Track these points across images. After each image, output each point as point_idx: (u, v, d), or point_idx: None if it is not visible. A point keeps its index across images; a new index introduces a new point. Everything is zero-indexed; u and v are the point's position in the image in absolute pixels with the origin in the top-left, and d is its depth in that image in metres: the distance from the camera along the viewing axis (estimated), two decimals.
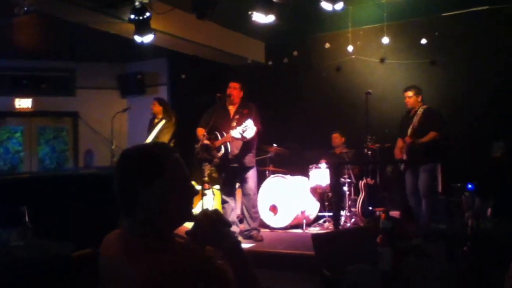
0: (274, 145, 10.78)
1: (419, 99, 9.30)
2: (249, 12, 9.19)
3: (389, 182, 10.29)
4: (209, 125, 8.78)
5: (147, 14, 9.00)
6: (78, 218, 6.05)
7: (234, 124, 8.55)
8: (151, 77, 14.68)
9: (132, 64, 14.81)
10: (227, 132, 8.58)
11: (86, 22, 9.68)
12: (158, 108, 10.80)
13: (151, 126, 10.80)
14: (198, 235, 2.38)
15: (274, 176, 10.59)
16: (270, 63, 12.97)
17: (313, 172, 10.52)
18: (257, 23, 9.37)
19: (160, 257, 2.13)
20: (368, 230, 5.12)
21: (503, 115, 10.05)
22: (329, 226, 10.18)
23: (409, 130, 9.16)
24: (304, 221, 10.13)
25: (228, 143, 8.70)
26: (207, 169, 9.18)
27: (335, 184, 9.81)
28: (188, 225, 2.42)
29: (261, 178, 10.27)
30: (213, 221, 2.41)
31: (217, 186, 10.26)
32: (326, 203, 10.54)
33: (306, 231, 10.01)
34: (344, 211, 10.06)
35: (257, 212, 9.42)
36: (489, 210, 6.08)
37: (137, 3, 8.95)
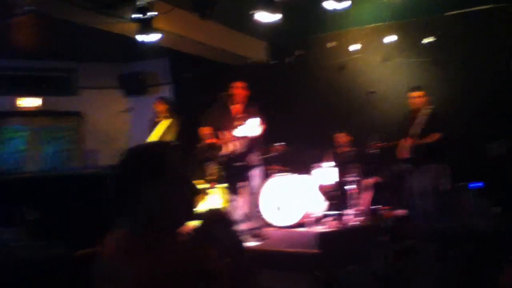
0: (278, 144, 10.77)
1: (425, 100, 9.29)
2: (251, 12, 9.19)
3: (394, 181, 10.27)
4: (212, 124, 8.79)
5: (150, 13, 8.99)
6: (80, 217, 6.05)
7: (237, 123, 8.55)
8: (153, 77, 14.69)
9: (134, 64, 14.80)
10: (230, 131, 8.58)
11: (87, 22, 9.69)
12: (162, 107, 10.81)
13: (153, 125, 10.79)
14: (202, 234, 2.37)
15: (278, 175, 10.58)
16: (272, 62, 12.95)
17: (317, 170, 10.51)
18: (259, 22, 9.36)
19: (162, 256, 2.13)
20: (372, 229, 5.13)
21: (504, 114, 10.04)
22: (333, 224, 10.16)
23: (413, 131, 9.14)
24: (309, 219, 10.12)
25: (232, 142, 8.70)
26: (212, 168, 9.17)
27: (340, 183, 9.81)
28: (192, 223, 2.40)
29: (265, 177, 10.26)
30: (218, 220, 2.40)
31: (221, 185, 10.26)
32: (331, 202, 10.52)
33: (311, 229, 9.99)
34: (349, 210, 10.03)
35: (260, 211, 9.42)
36: (492, 209, 6.08)
37: (139, 2, 8.94)
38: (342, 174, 9.94)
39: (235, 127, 8.49)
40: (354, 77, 11.88)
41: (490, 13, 10.31)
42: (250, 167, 8.99)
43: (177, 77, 14.25)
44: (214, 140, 8.81)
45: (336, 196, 10.28)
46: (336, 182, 9.92)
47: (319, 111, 11.97)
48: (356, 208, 10.08)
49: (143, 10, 8.98)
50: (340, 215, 9.47)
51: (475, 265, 3.90)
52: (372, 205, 10.12)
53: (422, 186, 9.11)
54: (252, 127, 8.21)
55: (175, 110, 11.20)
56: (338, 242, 4.53)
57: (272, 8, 9.14)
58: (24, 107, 14.14)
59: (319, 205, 10.60)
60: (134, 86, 14.59)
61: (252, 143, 8.86)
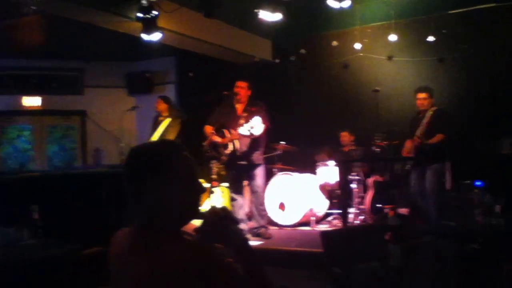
0: (282, 142, 10.78)
1: (432, 101, 9.30)
2: (256, 10, 9.20)
3: (397, 179, 10.27)
4: (217, 123, 8.81)
5: (155, 12, 9.00)
6: (86, 216, 6.06)
7: (242, 121, 8.55)
8: (159, 75, 14.69)
9: (140, 63, 14.81)
10: (235, 130, 8.58)
11: (93, 21, 9.70)
12: (163, 106, 10.83)
13: (156, 124, 10.81)
14: (206, 233, 2.38)
15: (282, 174, 10.59)
16: (277, 61, 12.96)
17: (321, 169, 10.53)
18: (264, 21, 9.38)
19: (168, 254, 2.14)
20: (377, 227, 5.13)
21: (508, 112, 10.03)
22: (337, 223, 10.18)
23: (418, 131, 9.15)
24: (313, 218, 10.14)
25: (236, 141, 8.71)
26: (215, 166, 9.17)
27: (344, 181, 9.81)
28: (196, 222, 2.42)
29: (269, 176, 10.27)
30: (221, 218, 2.41)
31: (225, 184, 10.27)
32: (335, 201, 10.53)
33: (315, 228, 10.01)
34: (353, 208, 10.04)
35: (265, 210, 9.44)
36: (499, 207, 6.07)
37: (144, 1, 8.95)
38: (345, 172, 9.94)
39: (239, 125, 8.49)
40: (358, 75, 11.88)
41: (494, 12, 10.29)
42: (254, 165, 9.00)
43: (182, 75, 14.26)
44: (218, 139, 8.82)
45: (339, 195, 10.29)
46: (340, 181, 9.93)
47: (323, 109, 11.97)
48: (359, 207, 10.10)
49: (147, 9, 8.99)
50: (344, 214, 9.47)
51: (481, 263, 3.91)
52: (376, 203, 10.12)
53: (425, 185, 9.11)
54: (256, 126, 8.21)
55: (177, 108, 11.21)
56: (342, 240, 4.52)
57: (276, 7, 9.15)
58: (29, 106, 14.16)
59: (323, 204, 10.62)
60: (140, 85, 14.59)
61: (256, 142, 8.87)
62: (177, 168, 2.31)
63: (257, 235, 9.06)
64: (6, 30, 10.46)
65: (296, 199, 10.16)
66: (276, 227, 10.22)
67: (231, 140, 8.73)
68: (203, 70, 13.24)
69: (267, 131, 8.75)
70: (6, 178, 7.56)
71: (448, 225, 7.67)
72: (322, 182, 10.48)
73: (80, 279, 4.10)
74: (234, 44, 11.84)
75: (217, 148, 8.87)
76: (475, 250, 3.99)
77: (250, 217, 9.67)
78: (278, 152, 10.97)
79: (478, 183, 7.59)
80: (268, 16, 9.19)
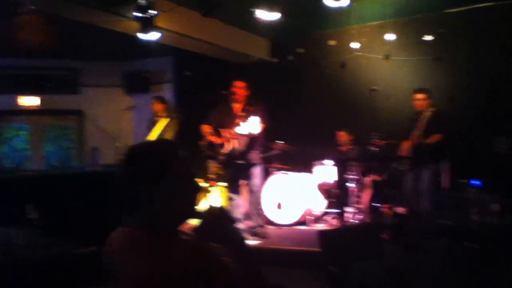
0: (279, 142, 10.79)
1: (430, 102, 9.31)
2: (253, 9, 9.20)
3: (394, 178, 10.29)
4: (214, 122, 8.82)
5: (152, 11, 8.99)
6: (83, 215, 6.06)
7: (239, 121, 8.56)
8: (157, 75, 14.69)
9: (137, 62, 14.80)
10: (232, 129, 8.59)
11: (90, 20, 9.70)
12: (158, 107, 10.83)
13: (152, 124, 10.80)
14: (203, 232, 2.38)
15: (279, 173, 10.60)
16: (275, 60, 12.96)
17: (318, 168, 10.54)
18: (262, 20, 9.38)
19: (166, 254, 2.14)
20: (374, 226, 5.14)
21: (508, 111, 10.04)
22: (334, 222, 10.19)
23: (416, 131, 9.16)
24: (310, 217, 10.14)
25: (233, 140, 8.71)
26: (212, 166, 9.18)
27: (341, 180, 9.82)
28: (194, 222, 2.42)
29: (266, 175, 10.28)
30: (219, 218, 2.42)
31: (223, 183, 10.28)
32: (332, 200, 10.54)
33: (312, 227, 10.02)
34: (350, 207, 10.05)
35: (262, 209, 9.44)
36: (495, 206, 6.08)
37: (141, 1, 8.94)
38: (343, 172, 9.95)
39: (237, 125, 8.50)
40: (356, 74, 11.89)
41: (491, 10, 10.30)
42: (251, 165, 9.01)
43: (180, 75, 14.26)
44: (215, 138, 8.83)
45: (337, 194, 10.30)
46: (337, 180, 9.93)
47: (321, 108, 11.97)
48: (356, 206, 10.11)
49: (144, 8, 8.98)
50: (341, 213, 9.48)
51: (478, 262, 3.91)
52: (373, 203, 10.13)
53: (421, 184, 9.13)
54: (253, 125, 8.22)
55: (174, 108, 11.21)
56: (339, 240, 4.53)
57: (274, 6, 9.16)
58: (26, 106, 14.15)
59: (320, 203, 10.63)
60: (138, 84, 14.59)
61: (253, 141, 8.88)
62: (174, 168, 2.31)
63: (254, 234, 9.06)
64: (3, 29, 10.44)
65: (294, 198, 10.17)
66: (273, 226, 10.22)
67: (229, 140, 8.73)
68: (201, 70, 13.23)
69: (264, 131, 8.76)
70: (3, 178, 7.55)
71: (445, 224, 7.69)
72: (320, 182, 10.50)
73: (77, 279, 4.10)
74: (232, 43, 11.84)
75: (214, 147, 8.88)
76: (473, 250, 4.00)
77: (247, 216, 9.67)
78: (276, 151, 10.97)
79: (474, 182, 7.61)
80: (266, 15, 9.20)
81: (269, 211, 10.29)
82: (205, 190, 9.30)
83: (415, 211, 9.23)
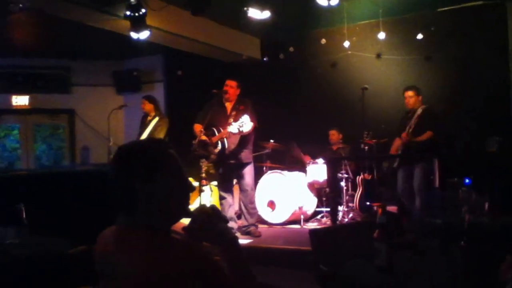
0: (271, 141, 10.80)
1: (420, 99, 9.31)
2: (245, 8, 9.20)
3: (386, 177, 10.31)
4: (206, 121, 8.80)
5: (143, 10, 8.98)
6: (75, 215, 6.05)
7: (231, 120, 8.56)
8: (147, 74, 14.67)
9: (128, 61, 14.80)
10: (224, 128, 8.59)
11: (81, 19, 9.67)
12: (149, 106, 10.79)
13: (144, 124, 10.78)
14: (195, 231, 2.38)
15: (271, 172, 10.61)
16: (265, 59, 12.95)
17: (310, 167, 10.55)
18: (252, 19, 9.39)
19: (157, 253, 2.13)
20: (365, 225, 5.13)
21: (498, 110, 10.09)
22: (326, 221, 10.20)
23: (407, 129, 9.16)
24: (302, 216, 10.15)
25: (225, 139, 8.71)
26: (204, 165, 9.17)
27: (332, 179, 9.82)
28: (185, 221, 2.42)
29: (258, 174, 10.28)
30: (210, 217, 2.41)
31: (215, 182, 10.29)
32: (324, 199, 10.55)
33: (304, 226, 10.03)
34: (342, 206, 10.07)
35: (254, 208, 9.44)
36: (485, 205, 6.09)
37: (132, 0, 8.94)
38: (334, 170, 9.95)
39: (228, 124, 8.50)
40: (346, 73, 11.90)
41: (482, 9, 10.33)
42: (243, 164, 9.01)
43: (170, 74, 14.25)
44: (207, 137, 8.82)
45: (328, 193, 10.31)
46: (328, 179, 9.93)
47: (312, 107, 11.98)
48: (349, 205, 10.13)
49: (135, 7, 8.97)
50: (333, 212, 9.49)
51: (476, 259, 3.92)
52: (364, 201, 10.15)
53: (413, 183, 9.14)
54: (244, 124, 8.22)
55: (163, 107, 11.21)
56: (330, 239, 4.53)
57: (265, 5, 9.16)
58: (17, 105, 14.11)
59: (312, 202, 10.64)
60: (129, 83, 14.56)
61: (244, 140, 8.88)
62: (166, 167, 2.31)
63: (246, 233, 9.08)
64: None
65: (285, 197, 10.17)
66: (265, 226, 10.23)
67: (221, 139, 8.73)
68: (191, 68, 13.24)
69: (255, 129, 8.77)
70: None
71: (435, 223, 7.70)
72: (310, 180, 10.51)
73: (67, 278, 4.09)
74: (222, 42, 11.83)
75: (206, 146, 8.87)
76: (461, 248, 4.00)
77: (239, 215, 9.68)
78: (267, 150, 10.98)
79: (465, 181, 7.63)
80: (257, 14, 9.21)
81: (262, 210, 10.29)
82: (197, 189, 9.30)
83: (406, 209, 9.25)
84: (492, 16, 10.33)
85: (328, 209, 10.24)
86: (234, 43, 12.22)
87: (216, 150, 8.80)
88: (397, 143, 9.41)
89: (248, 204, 9.16)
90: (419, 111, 9.20)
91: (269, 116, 10.42)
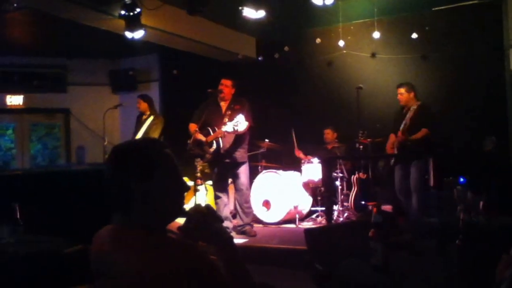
0: (266, 140, 10.80)
1: (412, 95, 9.29)
2: (240, 8, 9.20)
3: (381, 176, 10.32)
4: (201, 121, 8.80)
5: (138, 10, 8.97)
6: (70, 214, 6.05)
7: (226, 119, 8.56)
8: (143, 73, 14.66)
9: (124, 60, 14.79)
10: (219, 128, 8.58)
11: (76, 18, 9.66)
12: (143, 105, 10.77)
13: (139, 123, 10.77)
14: (190, 231, 2.38)
15: (266, 172, 10.61)
16: (260, 58, 12.94)
17: (305, 166, 10.55)
18: (248, 18, 9.38)
19: (153, 253, 2.12)
20: (360, 224, 5.13)
21: (494, 109, 10.10)
22: (322, 220, 10.20)
23: (402, 126, 9.14)
24: (297, 216, 10.15)
25: (220, 139, 8.71)
26: (200, 164, 9.16)
27: (328, 178, 9.82)
28: (180, 220, 2.41)
29: (253, 174, 10.28)
30: (205, 216, 2.41)
31: (210, 182, 10.28)
32: (319, 198, 10.55)
33: (299, 226, 10.03)
34: (337, 205, 10.07)
35: (250, 208, 9.44)
36: (481, 204, 6.09)
37: None
38: (329, 170, 9.95)
39: (223, 123, 8.50)
40: (342, 73, 11.90)
41: (477, 9, 10.34)
42: (238, 163, 9.01)
43: (166, 73, 14.24)
44: (202, 137, 8.81)
45: (323, 192, 10.31)
46: (323, 178, 9.93)
47: (307, 107, 11.98)
48: (343, 204, 10.13)
49: (130, 6, 8.96)
50: (328, 211, 9.50)
51: (472, 258, 3.92)
52: (360, 201, 10.15)
53: (409, 181, 9.13)
54: (239, 124, 8.21)
55: (158, 107, 11.20)
56: (325, 238, 4.53)
57: (260, 4, 9.16)
58: (12, 105, 14.08)
59: (307, 202, 10.64)
60: (124, 83, 14.55)
61: (239, 140, 8.88)
62: (161, 166, 2.31)
63: (242, 232, 9.08)
64: None
65: (281, 196, 10.17)
66: (260, 225, 10.23)
67: (216, 138, 8.73)
68: (187, 68, 13.23)
69: (250, 129, 8.77)
70: None
71: (430, 222, 7.71)
72: (306, 180, 10.51)
73: (63, 277, 4.09)
74: (218, 41, 11.82)
75: (201, 146, 8.86)
76: (457, 247, 4.00)
77: (234, 215, 9.68)
78: (262, 150, 10.98)
79: (461, 179, 7.64)
80: (252, 13, 9.21)
81: (257, 209, 10.29)
82: (193, 189, 9.30)
83: (403, 209, 9.26)
84: (488, 15, 10.34)
85: (323, 208, 10.24)
86: (230, 42, 12.21)
87: (211, 150, 8.80)
88: (392, 139, 9.41)
89: (243, 204, 9.16)
90: (414, 108, 9.18)
91: (264, 115, 10.44)
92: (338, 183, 10.18)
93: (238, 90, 9.09)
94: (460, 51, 10.55)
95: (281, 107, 12.07)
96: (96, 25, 9.94)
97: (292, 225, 10.17)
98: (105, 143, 11.31)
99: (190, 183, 9.47)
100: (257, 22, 9.70)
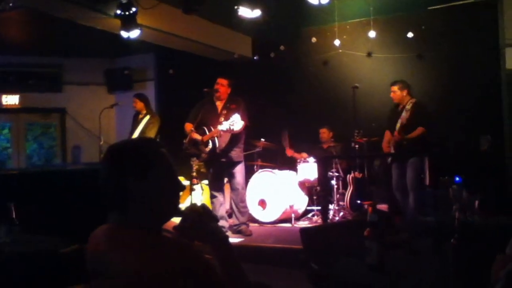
0: (262, 139, 10.80)
1: (404, 93, 9.26)
2: (236, 7, 9.20)
3: (376, 175, 10.33)
4: (197, 120, 8.80)
5: (133, 9, 8.97)
6: (66, 214, 6.04)
7: (222, 119, 8.56)
8: (139, 72, 14.64)
9: (120, 59, 14.76)
10: (215, 127, 8.59)
11: (72, 17, 9.64)
12: (140, 105, 10.76)
13: (136, 122, 10.76)
14: (186, 230, 2.38)
15: (262, 171, 10.61)
16: (256, 57, 12.93)
17: (301, 166, 10.55)
18: (243, 17, 9.39)
19: (149, 252, 2.13)
20: (356, 223, 5.14)
21: (489, 109, 10.11)
22: (317, 220, 10.21)
23: (398, 125, 9.12)
24: (293, 215, 10.15)
25: (216, 138, 8.71)
26: (195, 164, 9.16)
27: (323, 178, 9.82)
28: (176, 220, 2.42)
29: (249, 173, 10.28)
30: (201, 216, 2.41)
31: (206, 181, 10.28)
32: (315, 197, 10.55)
33: (295, 225, 10.03)
34: (333, 205, 10.08)
35: (245, 207, 9.44)
36: (476, 203, 6.10)
37: None
38: (325, 169, 9.95)
39: (219, 122, 8.50)
40: (337, 72, 11.90)
41: (473, 8, 10.35)
42: (233, 163, 9.01)
43: (162, 72, 14.24)
44: (197, 136, 8.81)
45: (319, 192, 10.32)
46: (321, 177, 9.93)
47: (303, 106, 11.98)
48: (339, 203, 10.13)
49: (126, 6, 8.96)
50: (324, 211, 9.50)
51: (467, 257, 3.92)
52: (355, 200, 10.16)
53: (405, 180, 9.13)
54: (235, 123, 8.22)
55: (154, 106, 11.19)
56: (321, 237, 4.54)
57: (256, 3, 9.16)
58: (8, 104, 14.06)
59: (303, 201, 10.65)
60: (120, 82, 14.52)
61: (235, 139, 8.88)
62: (157, 165, 2.31)
63: (237, 232, 9.08)
64: None
65: (276, 196, 10.17)
66: (256, 224, 10.23)
67: (211, 137, 8.73)
68: (183, 67, 13.23)
69: (246, 128, 8.77)
70: None
71: (426, 221, 7.72)
72: (301, 179, 10.51)
73: (59, 277, 4.09)
74: (214, 40, 11.81)
75: (197, 145, 8.87)
76: (452, 247, 4.01)
77: (230, 214, 9.68)
78: (258, 149, 10.98)
79: (456, 178, 7.65)
80: (248, 12, 9.21)
81: (252, 208, 10.29)
82: (188, 188, 9.30)
83: (399, 208, 9.26)
84: (484, 15, 10.35)
85: (319, 207, 10.25)
86: (225, 42, 12.20)
87: (207, 149, 8.80)
88: (387, 137, 9.40)
89: (239, 203, 9.16)
90: (409, 106, 9.15)
91: (260, 115, 10.43)
92: (333, 182, 10.18)
93: (234, 89, 9.09)
94: (456, 51, 10.57)
95: (277, 106, 12.06)
96: (92, 24, 9.92)
97: (287, 225, 10.17)
98: (101, 142, 11.29)
99: (186, 182, 9.50)
100: (253, 21, 9.71)
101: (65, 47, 13.33)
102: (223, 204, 9.31)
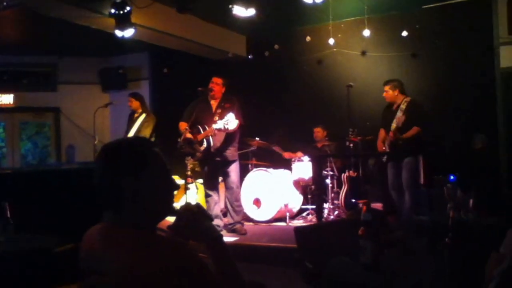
0: (256, 138, 10.80)
1: (396, 93, 9.21)
2: (230, 6, 9.20)
3: (371, 174, 10.33)
4: (191, 119, 8.79)
5: (128, 8, 8.97)
6: (61, 213, 6.04)
7: (216, 118, 8.55)
8: (133, 71, 14.63)
9: (114, 58, 14.73)
10: (210, 126, 8.58)
11: (67, 16, 9.63)
12: (135, 104, 10.75)
13: (131, 121, 10.75)
14: (180, 229, 2.38)
15: (257, 170, 10.61)
16: (250, 56, 12.93)
17: (295, 165, 10.55)
18: (238, 16, 9.38)
19: (143, 251, 2.13)
20: (351, 222, 5.15)
21: (484, 107, 10.13)
22: (312, 218, 10.21)
23: (393, 126, 9.09)
24: (288, 214, 10.15)
25: (210, 137, 8.71)
26: (190, 163, 9.15)
27: (318, 177, 9.82)
28: (170, 219, 2.42)
29: (244, 172, 10.28)
30: (195, 214, 2.41)
31: (200, 180, 10.28)
32: (309, 196, 10.55)
33: (290, 224, 10.03)
34: (327, 203, 10.08)
35: (240, 206, 9.43)
36: (470, 202, 6.12)
37: None
38: (319, 168, 9.96)
39: (214, 121, 8.49)
40: (332, 71, 11.90)
41: (467, 6, 10.36)
42: (228, 162, 9.00)
43: (156, 71, 14.23)
44: (192, 135, 8.81)
45: (313, 191, 10.32)
46: (315, 176, 9.93)
47: (297, 105, 11.99)
48: (333, 202, 10.13)
49: (120, 5, 8.95)
50: (318, 209, 9.51)
51: (461, 255, 3.94)
52: (350, 199, 10.16)
53: (400, 179, 9.12)
54: (230, 122, 8.21)
55: (149, 105, 11.18)
56: (315, 236, 4.55)
57: (250, 2, 9.16)
58: (2, 103, 14.03)
59: (297, 200, 10.65)
60: (115, 81, 14.51)
61: (230, 138, 8.87)
62: (151, 165, 2.31)
63: (232, 231, 9.08)
64: None
65: (271, 194, 10.17)
66: (251, 223, 10.23)
67: (206, 136, 8.73)
68: (177, 66, 13.23)
69: (240, 127, 8.76)
70: None
71: (421, 220, 7.72)
72: (296, 178, 10.52)
73: (54, 275, 4.09)
74: (208, 39, 11.80)
75: (192, 144, 8.85)
76: (446, 245, 4.02)
77: (225, 213, 9.68)
78: (253, 148, 10.98)
79: (451, 177, 7.66)
80: (242, 11, 9.21)
81: (247, 207, 10.29)
82: (183, 187, 9.30)
83: (395, 207, 9.26)
84: (478, 13, 10.37)
85: (314, 206, 10.26)
86: (220, 41, 12.20)
87: (202, 148, 8.79)
88: (382, 135, 9.39)
89: (233, 202, 9.16)
90: (403, 105, 9.11)
91: (255, 114, 10.42)
92: (328, 181, 10.17)
93: (228, 88, 9.08)
94: (450, 49, 10.58)
95: (272, 105, 12.07)
96: (86, 23, 9.91)
97: (282, 223, 10.17)
98: (96, 141, 11.27)
99: (181, 181, 9.49)
100: (247, 20, 9.70)
101: (60, 46, 13.32)
102: (217, 203, 9.31)
